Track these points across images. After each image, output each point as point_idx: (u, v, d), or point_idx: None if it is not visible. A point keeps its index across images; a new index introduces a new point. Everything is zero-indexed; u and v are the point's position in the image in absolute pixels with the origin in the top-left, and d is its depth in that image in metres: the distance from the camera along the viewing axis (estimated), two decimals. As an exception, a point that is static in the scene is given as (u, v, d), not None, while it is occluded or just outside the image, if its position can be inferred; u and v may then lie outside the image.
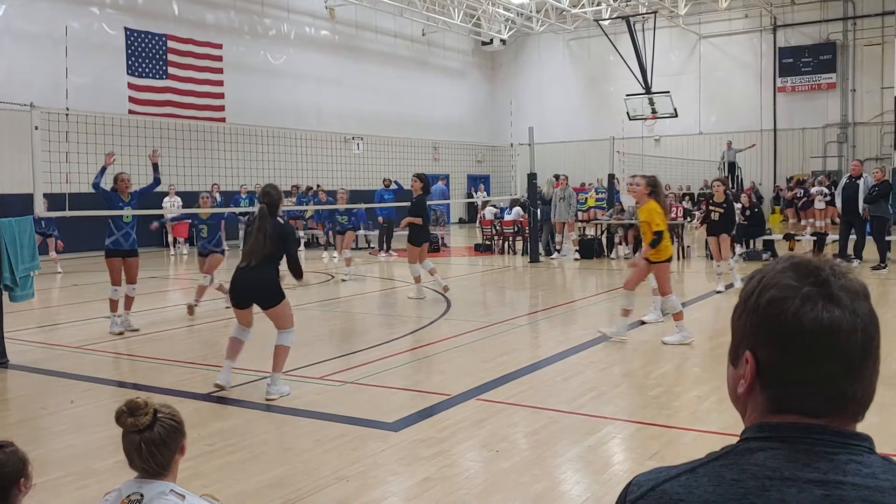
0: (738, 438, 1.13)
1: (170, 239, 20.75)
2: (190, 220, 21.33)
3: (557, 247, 17.57)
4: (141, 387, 6.54)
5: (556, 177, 19.12)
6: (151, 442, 2.39)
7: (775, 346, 1.08)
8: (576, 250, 17.15)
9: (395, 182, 18.54)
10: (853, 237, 14.61)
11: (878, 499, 0.99)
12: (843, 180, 15.07)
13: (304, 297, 12.39)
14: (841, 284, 1.07)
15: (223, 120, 22.24)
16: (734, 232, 12.84)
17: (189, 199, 20.16)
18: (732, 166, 27.67)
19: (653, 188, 8.14)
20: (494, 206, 22.02)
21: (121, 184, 9.20)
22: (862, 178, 14.37)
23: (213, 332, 9.50)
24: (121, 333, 9.01)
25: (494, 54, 34.79)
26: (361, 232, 21.20)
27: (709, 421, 5.39)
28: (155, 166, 9.68)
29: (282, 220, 6.42)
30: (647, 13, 27.00)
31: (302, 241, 21.43)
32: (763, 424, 1.10)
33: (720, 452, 1.10)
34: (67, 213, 11.45)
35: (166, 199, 20.00)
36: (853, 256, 14.69)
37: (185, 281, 15.53)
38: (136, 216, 9.32)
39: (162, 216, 17.25)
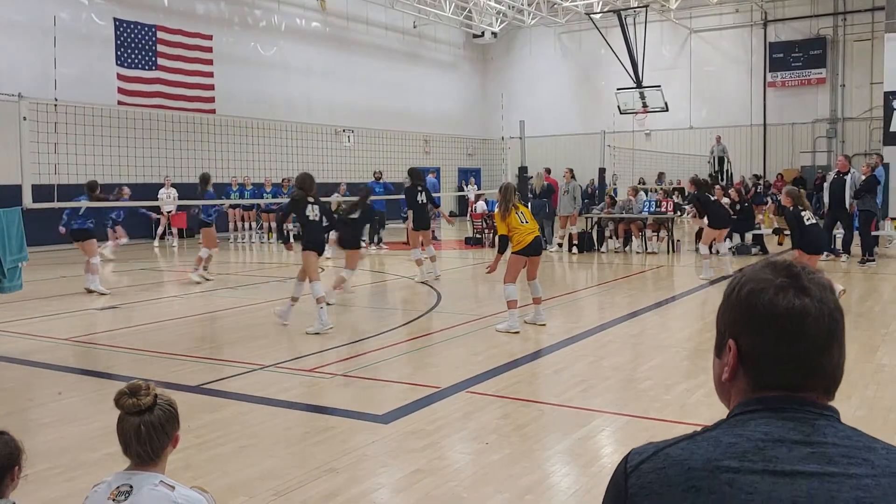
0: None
1: (159, 230, 20.59)
2: (187, 211, 21.32)
3: (559, 241, 17.52)
4: (129, 379, 6.51)
5: (548, 170, 19.12)
6: (151, 424, 2.39)
7: (754, 332, 1.23)
8: (574, 244, 17.13)
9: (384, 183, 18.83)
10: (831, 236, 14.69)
11: (855, 454, 1.15)
12: (831, 176, 15.09)
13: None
14: (810, 278, 1.23)
15: (213, 111, 22.13)
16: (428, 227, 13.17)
17: (182, 190, 20.09)
18: (722, 161, 27.77)
19: (500, 193, 8.81)
20: (486, 199, 22.02)
21: None
22: (849, 174, 14.37)
23: (202, 324, 9.48)
24: None
25: (486, 47, 34.74)
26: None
27: (698, 414, 5.41)
28: None
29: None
30: (638, 7, 26.98)
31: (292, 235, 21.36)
32: (749, 400, 1.24)
33: (713, 425, 1.24)
34: (56, 205, 11.40)
35: (162, 189, 19.88)
36: (840, 251, 14.75)
37: (177, 273, 15.46)
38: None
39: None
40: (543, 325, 8.71)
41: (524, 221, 8.61)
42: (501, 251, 8.62)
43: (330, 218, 9.64)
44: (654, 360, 7.25)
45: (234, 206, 20.80)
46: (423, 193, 12.95)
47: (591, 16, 28.24)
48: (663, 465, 1.19)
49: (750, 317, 1.23)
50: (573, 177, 17.88)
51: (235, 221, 21.51)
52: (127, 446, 2.41)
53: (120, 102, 19.90)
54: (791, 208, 9.60)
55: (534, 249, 8.62)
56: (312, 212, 8.77)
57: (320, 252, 8.95)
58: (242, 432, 5.18)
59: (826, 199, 14.97)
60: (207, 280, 12.73)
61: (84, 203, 11.68)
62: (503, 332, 8.29)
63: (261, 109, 22.35)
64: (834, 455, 1.14)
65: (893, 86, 20.42)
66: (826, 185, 15.07)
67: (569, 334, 8.32)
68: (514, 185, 9.41)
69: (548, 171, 19.10)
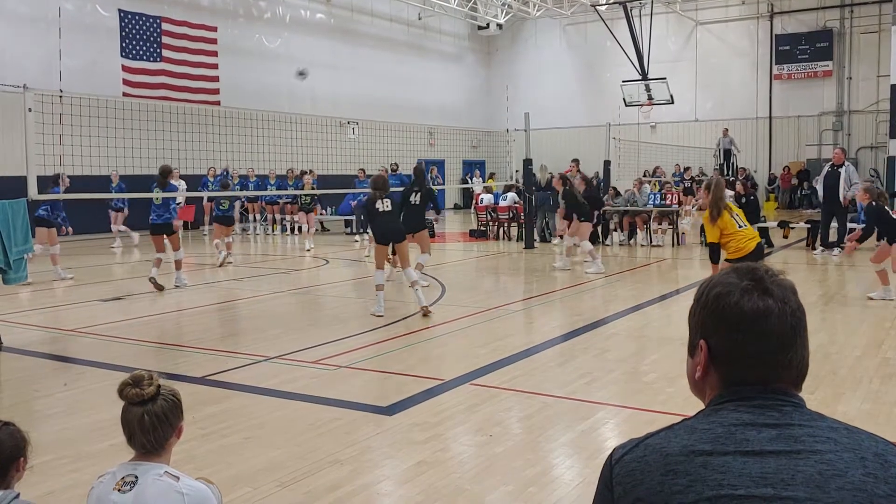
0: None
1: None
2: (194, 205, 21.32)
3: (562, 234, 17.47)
4: (134, 370, 6.52)
5: (576, 160, 19.04)
6: (154, 414, 2.39)
7: (722, 331, 1.33)
8: None
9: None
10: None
11: (819, 434, 1.25)
12: (826, 169, 14.81)
13: (300, 282, 12.38)
14: (773, 281, 1.34)
15: (218, 103, 22.12)
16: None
17: (188, 182, 20.07)
18: (728, 153, 27.69)
19: (707, 191, 7.43)
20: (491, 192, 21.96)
21: None
22: (844, 167, 14.14)
23: (206, 316, 9.50)
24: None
25: (491, 39, 34.63)
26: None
27: (701, 407, 5.40)
28: None
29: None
30: (644, -1, 26.87)
31: (297, 227, 21.38)
32: (722, 393, 1.35)
33: (691, 416, 1.35)
34: (62, 196, 11.42)
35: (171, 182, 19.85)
36: (836, 243, 14.64)
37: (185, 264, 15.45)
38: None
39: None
40: None
41: (741, 225, 7.35)
42: (716, 261, 7.28)
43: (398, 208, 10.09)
44: (658, 352, 7.24)
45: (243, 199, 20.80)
46: (418, 195, 11.26)
47: (597, 7, 28.12)
48: (644, 453, 1.29)
49: (718, 318, 1.34)
50: (579, 170, 17.84)
51: (240, 213, 21.53)
52: (131, 436, 2.42)
53: (125, 94, 19.91)
54: (874, 203, 9.70)
55: (756, 256, 7.31)
56: (383, 204, 9.45)
57: (397, 241, 9.48)
58: (247, 424, 5.20)
59: (820, 192, 14.72)
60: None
61: (118, 195, 11.95)
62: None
63: (265, 101, 22.33)
64: (800, 435, 1.25)
65: (900, 79, 20.28)
66: (820, 177, 14.74)
67: (573, 327, 8.31)
68: (724, 181, 7.93)
69: (575, 161, 18.93)
